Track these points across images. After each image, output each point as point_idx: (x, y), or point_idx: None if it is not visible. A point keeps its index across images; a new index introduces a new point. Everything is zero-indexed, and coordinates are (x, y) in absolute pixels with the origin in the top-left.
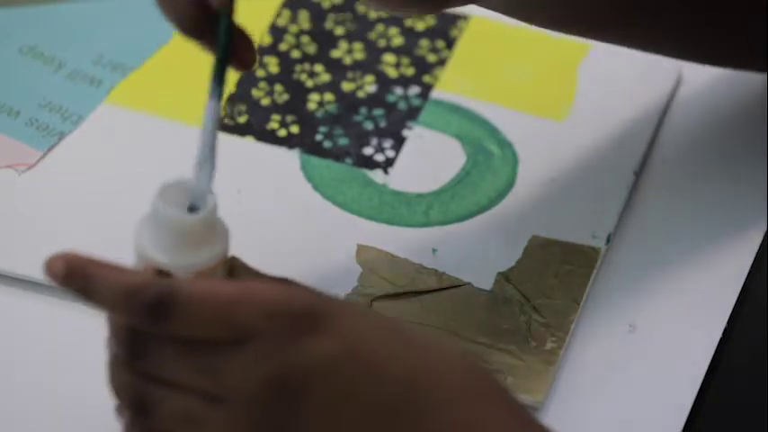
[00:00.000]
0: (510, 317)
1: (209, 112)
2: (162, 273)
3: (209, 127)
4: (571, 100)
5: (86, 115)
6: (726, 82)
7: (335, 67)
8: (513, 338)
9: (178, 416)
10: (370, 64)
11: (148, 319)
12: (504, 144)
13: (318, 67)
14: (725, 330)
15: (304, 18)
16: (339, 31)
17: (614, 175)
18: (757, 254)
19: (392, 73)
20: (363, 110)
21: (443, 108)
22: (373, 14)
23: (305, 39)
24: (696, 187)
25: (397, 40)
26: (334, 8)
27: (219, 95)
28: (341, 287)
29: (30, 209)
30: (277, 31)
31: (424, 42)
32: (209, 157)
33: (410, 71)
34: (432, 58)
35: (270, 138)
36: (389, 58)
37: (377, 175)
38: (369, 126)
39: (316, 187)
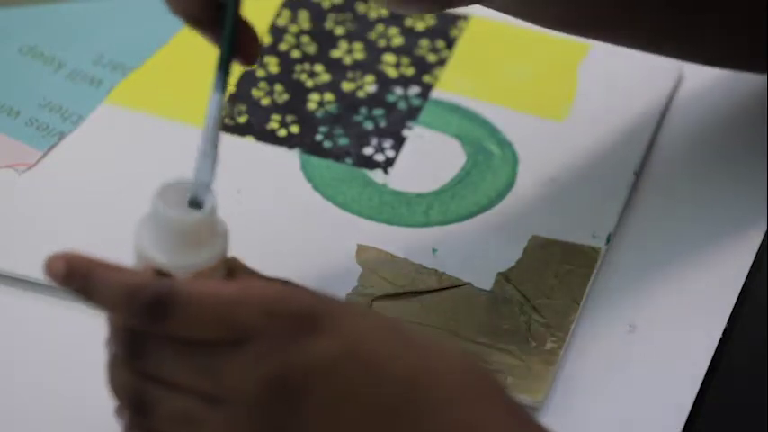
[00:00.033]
0: (510, 317)
1: (212, 104)
2: (161, 273)
3: (213, 119)
4: (571, 100)
5: (86, 115)
6: (726, 82)
7: (335, 67)
8: (513, 338)
9: (177, 416)
10: (370, 64)
11: (148, 319)
12: (504, 144)
13: (318, 67)
14: (725, 330)
15: (304, 18)
16: (339, 31)
17: (614, 175)
18: (757, 254)
19: (392, 73)
20: (363, 110)
21: (443, 108)
22: (373, 14)
23: (305, 39)
24: (696, 187)
25: (397, 40)
26: (334, 8)
27: (224, 87)
28: (341, 287)
29: (30, 209)
30: (277, 31)
31: (424, 42)
32: (211, 148)
33: (410, 71)
34: (432, 58)
35: (270, 138)
36: (389, 58)
37: (377, 175)
38: (369, 126)
39: (316, 187)
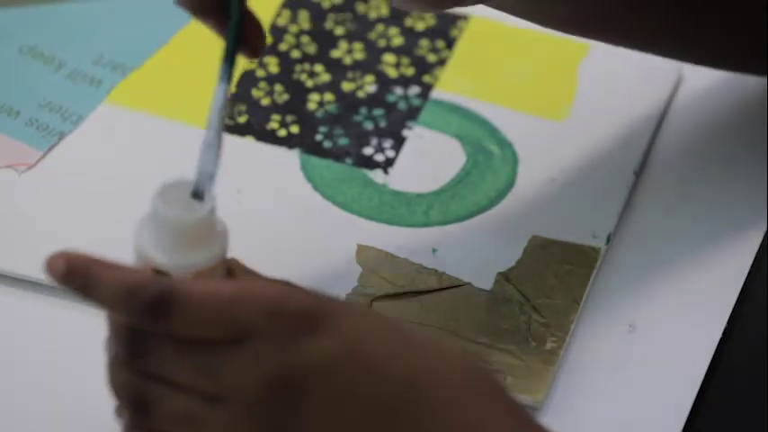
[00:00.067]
0: (510, 317)
1: (217, 95)
2: (161, 273)
3: (218, 110)
4: (571, 100)
5: (86, 115)
6: (726, 82)
7: (335, 67)
8: (513, 338)
9: (178, 415)
10: (370, 64)
11: (148, 318)
12: (504, 144)
13: (318, 67)
14: (725, 330)
15: (304, 18)
16: (339, 31)
17: (614, 175)
18: (757, 254)
19: (392, 73)
20: (363, 110)
21: (443, 108)
22: (373, 14)
23: (305, 39)
24: (696, 187)
25: (397, 40)
26: (334, 8)
27: (229, 78)
28: (341, 287)
29: (30, 209)
30: (277, 31)
31: (424, 42)
32: (215, 139)
33: (410, 71)
34: (432, 58)
35: (270, 138)
36: (389, 58)
37: (377, 175)
38: (369, 126)
39: (316, 187)
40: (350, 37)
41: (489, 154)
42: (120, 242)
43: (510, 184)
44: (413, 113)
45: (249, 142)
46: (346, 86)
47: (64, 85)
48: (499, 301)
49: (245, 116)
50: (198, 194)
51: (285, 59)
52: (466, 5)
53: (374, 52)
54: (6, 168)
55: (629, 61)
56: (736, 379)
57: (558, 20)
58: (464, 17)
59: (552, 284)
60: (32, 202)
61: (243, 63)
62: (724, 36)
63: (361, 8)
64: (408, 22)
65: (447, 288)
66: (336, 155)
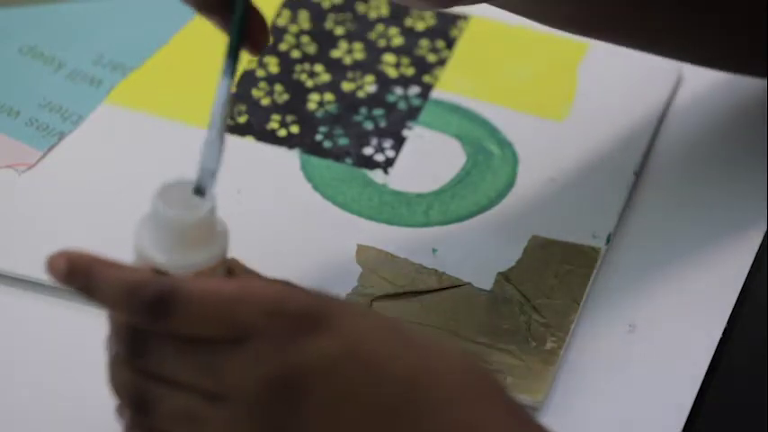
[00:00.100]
0: (510, 317)
1: (221, 90)
2: (161, 273)
3: (221, 105)
4: (571, 100)
5: (86, 115)
6: (726, 82)
7: (335, 67)
8: (513, 338)
9: (178, 414)
10: (370, 64)
11: (149, 317)
12: (504, 144)
13: (318, 67)
14: (725, 330)
15: (304, 18)
16: (339, 31)
17: (614, 175)
18: (757, 254)
19: (392, 73)
20: (363, 110)
21: (443, 108)
22: (373, 14)
23: (305, 39)
24: (696, 187)
25: (397, 40)
26: (334, 8)
27: (232, 74)
28: (341, 287)
29: (30, 209)
30: (277, 31)
31: (424, 42)
32: (218, 135)
33: (410, 71)
34: (432, 58)
35: (270, 138)
36: (389, 58)
37: (377, 175)
38: (369, 126)
39: (316, 187)
40: (350, 37)
41: (489, 154)
42: (120, 242)
43: (510, 184)
44: (413, 113)
45: (249, 142)
46: (346, 86)
47: (64, 85)
48: (499, 301)
49: (245, 116)
50: (200, 191)
51: (285, 59)
52: (467, 4)
53: (374, 52)
54: (6, 168)
55: (629, 61)
56: (736, 379)
57: (561, 18)
58: (464, 17)
59: (552, 284)
60: (32, 202)
61: (243, 63)
62: (724, 36)
63: (361, 8)
64: (408, 22)
65: (447, 288)
66: (336, 155)
